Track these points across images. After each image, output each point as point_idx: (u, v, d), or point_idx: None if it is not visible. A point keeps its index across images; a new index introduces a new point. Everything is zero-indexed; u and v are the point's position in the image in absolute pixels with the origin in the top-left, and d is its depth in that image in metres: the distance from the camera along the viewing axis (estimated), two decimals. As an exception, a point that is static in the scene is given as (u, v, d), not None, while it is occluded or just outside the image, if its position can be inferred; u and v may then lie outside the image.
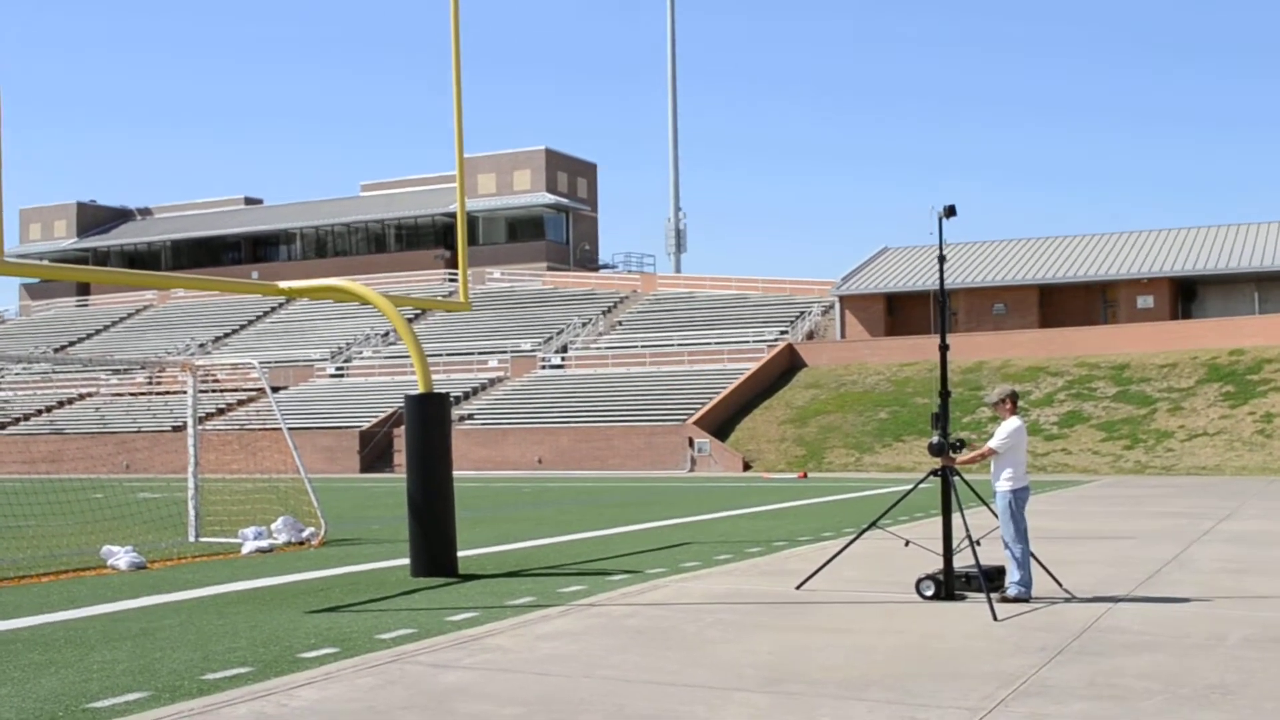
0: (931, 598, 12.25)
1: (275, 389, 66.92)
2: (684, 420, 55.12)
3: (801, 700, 8.05)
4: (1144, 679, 8.49)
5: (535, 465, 57.06)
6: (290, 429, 22.04)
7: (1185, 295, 61.67)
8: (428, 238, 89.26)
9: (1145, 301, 59.84)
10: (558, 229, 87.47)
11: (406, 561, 15.66)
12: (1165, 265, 60.08)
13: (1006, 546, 12.13)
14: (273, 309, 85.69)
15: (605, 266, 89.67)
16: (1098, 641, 9.90)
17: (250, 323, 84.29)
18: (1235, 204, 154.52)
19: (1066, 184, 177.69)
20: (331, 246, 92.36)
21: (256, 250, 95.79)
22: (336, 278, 19.70)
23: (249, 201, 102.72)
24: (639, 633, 10.60)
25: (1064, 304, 62.52)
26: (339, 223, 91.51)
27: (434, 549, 15.14)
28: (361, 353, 74.60)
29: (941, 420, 12.28)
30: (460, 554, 15.96)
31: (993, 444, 12.22)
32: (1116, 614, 11.30)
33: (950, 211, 12.32)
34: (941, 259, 12.71)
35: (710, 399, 57.19)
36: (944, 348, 12.49)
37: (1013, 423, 12.27)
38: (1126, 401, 50.91)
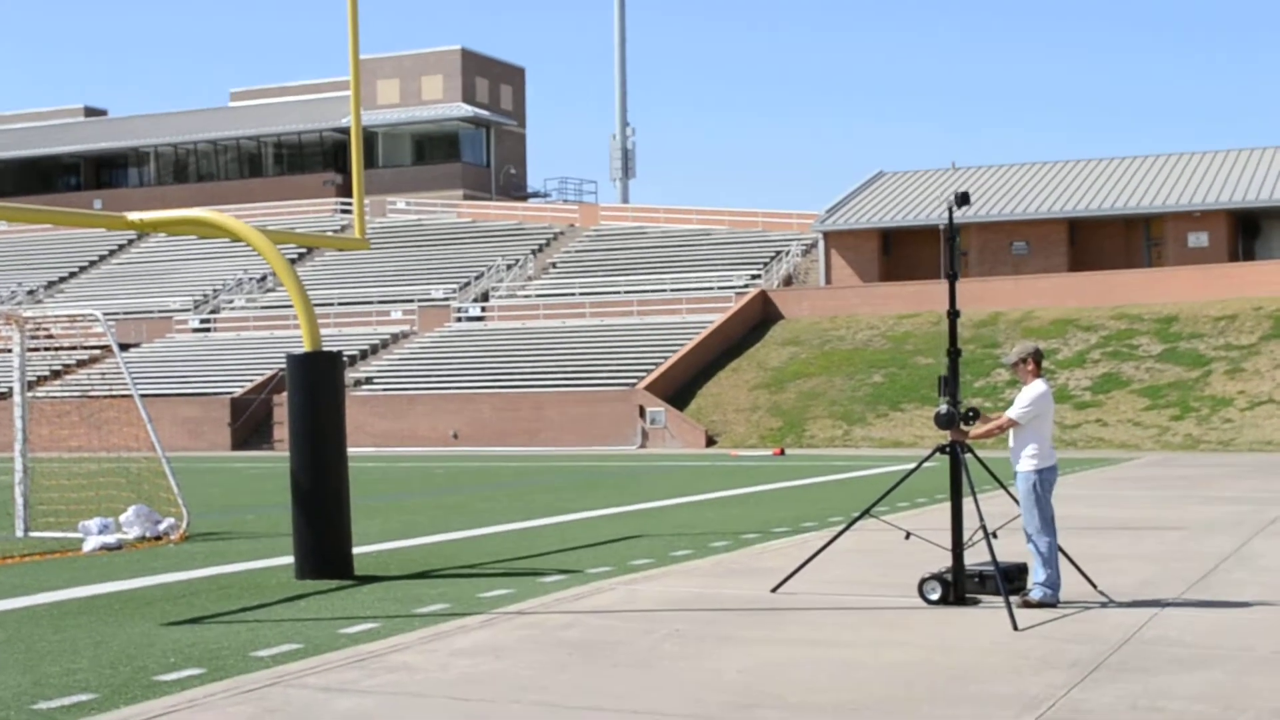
0: (938, 602, 12.32)
1: (125, 346, 66.37)
2: (633, 385, 55.18)
3: (779, 730, 8.07)
4: (1197, 701, 8.57)
5: (450, 441, 56.99)
6: (144, 396, 21.84)
7: (1246, 231, 62.22)
8: (314, 159, 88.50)
9: (1198, 239, 60.34)
10: (476, 148, 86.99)
11: (289, 561, 15.59)
12: (1222, 195, 60.56)
13: (1029, 539, 12.21)
14: (120, 247, 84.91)
15: (536, 195, 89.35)
16: (1141, 655, 9.99)
17: (93, 264, 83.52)
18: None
19: (1102, 96, 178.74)
20: (194, 169, 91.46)
21: (100, 173, 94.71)
22: (200, 208, 19.39)
23: (90, 113, 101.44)
24: (578, 647, 10.60)
25: (1098, 242, 62.93)
26: (203, 139, 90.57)
27: (324, 545, 15.08)
28: (232, 301, 74.09)
29: (950, 385, 12.31)
30: (357, 551, 15.91)
31: (1012, 414, 12.27)
32: (1163, 622, 11.41)
33: (963, 199, 12.40)
34: (954, 259, 12.62)
35: (665, 359, 57.24)
36: (954, 314, 12.49)
37: (1037, 387, 12.32)
38: (1175, 362, 51.39)
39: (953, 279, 12.60)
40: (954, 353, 12.39)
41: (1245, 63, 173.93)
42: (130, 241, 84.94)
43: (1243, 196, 59.96)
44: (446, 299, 69.19)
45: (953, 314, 12.48)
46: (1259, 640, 10.58)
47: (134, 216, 17.13)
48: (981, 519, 11.97)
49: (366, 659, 10.22)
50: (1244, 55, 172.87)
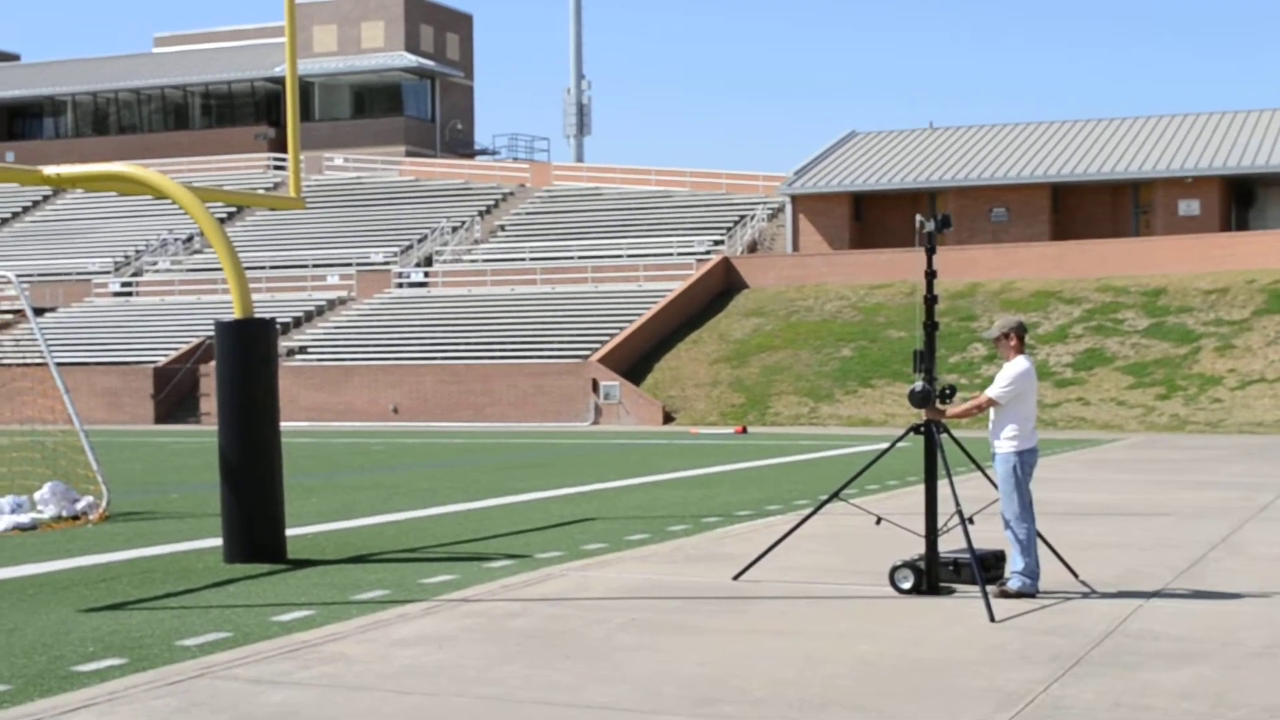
0: (910, 591, 12.37)
1: (40, 311, 65.96)
2: (586, 357, 55.15)
3: (741, 726, 8.10)
4: (1184, 698, 8.64)
5: (389, 415, 56.85)
6: (60, 365, 21.71)
7: (1240, 199, 62.56)
8: (245, 111, 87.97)
9: (1188, 207, 60.66)
10: (420, 101, 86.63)
11: (218, 543, 15.55)
12: (1215, 160, 60.87)
13: (1007, 526, 12.27)
14: (35, 204, 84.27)
15: (483, 152, 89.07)
16: (1124, 649, 10.06)
17: (4, 221, 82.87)
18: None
19: (1087, 54, 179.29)
20: (115, 120, 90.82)
21: (12, 124, 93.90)
22: (122, 162, 19.35)
23: (2, 58, 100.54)
24: (527, 637, 10.62)
25: (1083, 209, 63.18)
26: (125, 88, 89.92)
27: (255, 526, 15.05)
28: (156, 264, 73.66)
29: (926, 360, 12.34)
30: (290, 533, 15.86)
31: (993, 392, 12.31)
32: (1148, 613, 11.50)
33: (945, 223, 12.39)
34: (931, 300, 12.56)
35: (621, 329, 57.20)
36: (931, 298, 12.50)
37: (1019, 364, 12.36)
38: (1162, 337, 51.70)
39: (930, 276, 12.56)
40: (930, 326, 12.43)
41: (1240, 22, 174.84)
42: (45, 198, 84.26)
43: (1237, 162, 60.27)
44: (387, 263, 68.93)
45: (930, 298, 12.50)
46: (1250, 633, 10.66)
47: (49, 171, 16.99)
48: (957, 503, 12.01)
49: (300, 649, 10.20)
50: (1238, 14, 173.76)
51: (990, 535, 13.29)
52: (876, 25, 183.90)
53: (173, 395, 60.31)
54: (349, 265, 68.99)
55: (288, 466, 16.50)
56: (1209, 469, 28.53)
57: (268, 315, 16.42)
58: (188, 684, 9.13)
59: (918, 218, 12.76)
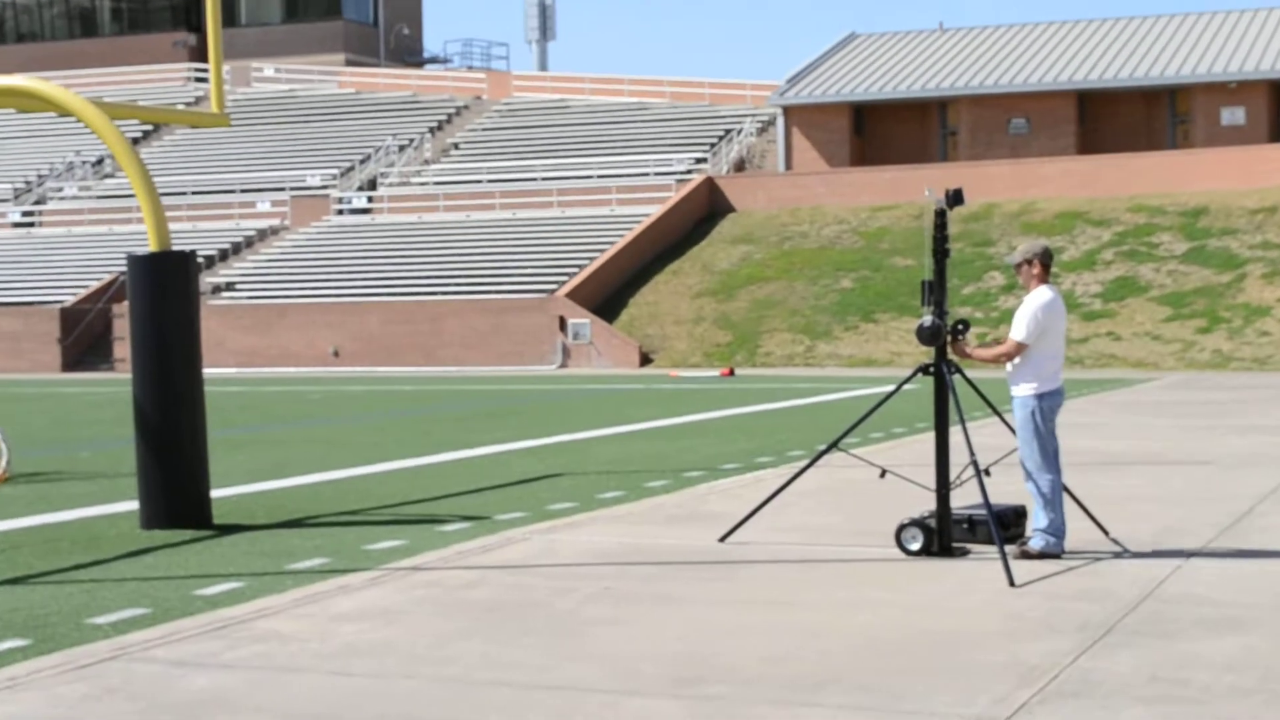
0: (919, 553, 12.37)
1: (-70, 245, 65.69)
2: (552, 291, 55.12)
3: (727, 708, 8.08)
4: (1229, 671, 8.64)
5: (329, 359, 56.80)
6: (-48, 306, 21.61)
7: (1290, 106, 62.59)
8: (162, 16, 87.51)
9: (1232, 115, 60.65)
10: (361, 3, 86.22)
11: (134, 507, 15.51)
12: (1261, 63, 60.82)
13: (1029, 478, 12.26)
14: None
15: (434, 61, 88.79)
16: (1161, 616, 10.07)
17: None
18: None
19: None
20: (13, 27, 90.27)
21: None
22: (21, 75, 19.34)
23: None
24: (486, 610, 10.61)
25: (1113, 119, 63.15)
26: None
27: (175, 488, 15.01)
28: (61, 190, 73.40)
29: (936, 291, 12.30)
30: (216, 494, 15.85)
31: (1017, 335, 12.10)
32: (1188, 575, 11.51)
33: (956, 199, 12.26)
34: (940, 299, 12.48)
35: (591, 260, 57.16)
36: (940, 285, 12.45)
37: (1042, 295, 12.28)
38: (1203, 263, 51.77)
39: (940, 256, 12.52)
40: (940, 254, 12.38)
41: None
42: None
43: (1286, 64, 60.25)
44: (325, 187, 68.73)
45: (939, 285, 12.43)
46: (1302, 597, 10.70)
47: (-62, 85, 16.89)
48: (972, 453, 12.01)
49: (228, 626, 10.18)
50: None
51: (1010, 489, 13.29)
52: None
53: (82, 339, 60.16)
54: (281, 190, 68.75)
55: (213, 419, 16.46)
56: (1256, 412, 28.61)
57: (188, 247, 16.35)
58: (100, 667, 9.10)
59: (927, 191, 12.72)
